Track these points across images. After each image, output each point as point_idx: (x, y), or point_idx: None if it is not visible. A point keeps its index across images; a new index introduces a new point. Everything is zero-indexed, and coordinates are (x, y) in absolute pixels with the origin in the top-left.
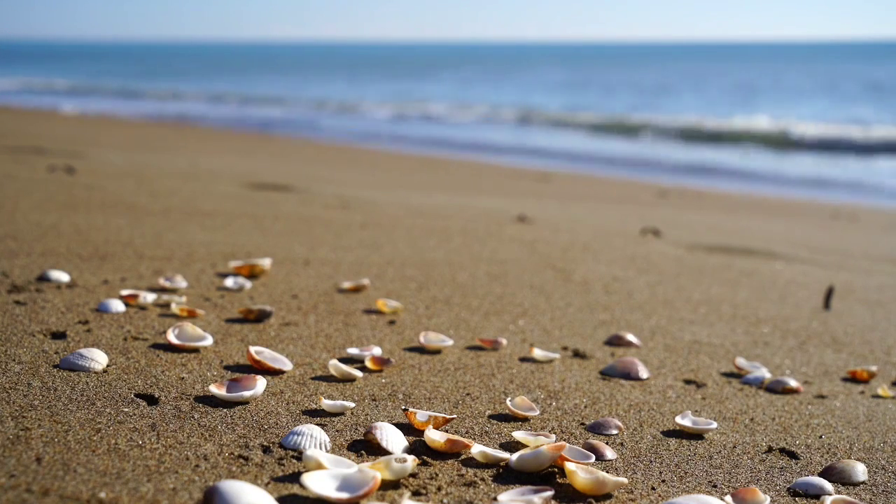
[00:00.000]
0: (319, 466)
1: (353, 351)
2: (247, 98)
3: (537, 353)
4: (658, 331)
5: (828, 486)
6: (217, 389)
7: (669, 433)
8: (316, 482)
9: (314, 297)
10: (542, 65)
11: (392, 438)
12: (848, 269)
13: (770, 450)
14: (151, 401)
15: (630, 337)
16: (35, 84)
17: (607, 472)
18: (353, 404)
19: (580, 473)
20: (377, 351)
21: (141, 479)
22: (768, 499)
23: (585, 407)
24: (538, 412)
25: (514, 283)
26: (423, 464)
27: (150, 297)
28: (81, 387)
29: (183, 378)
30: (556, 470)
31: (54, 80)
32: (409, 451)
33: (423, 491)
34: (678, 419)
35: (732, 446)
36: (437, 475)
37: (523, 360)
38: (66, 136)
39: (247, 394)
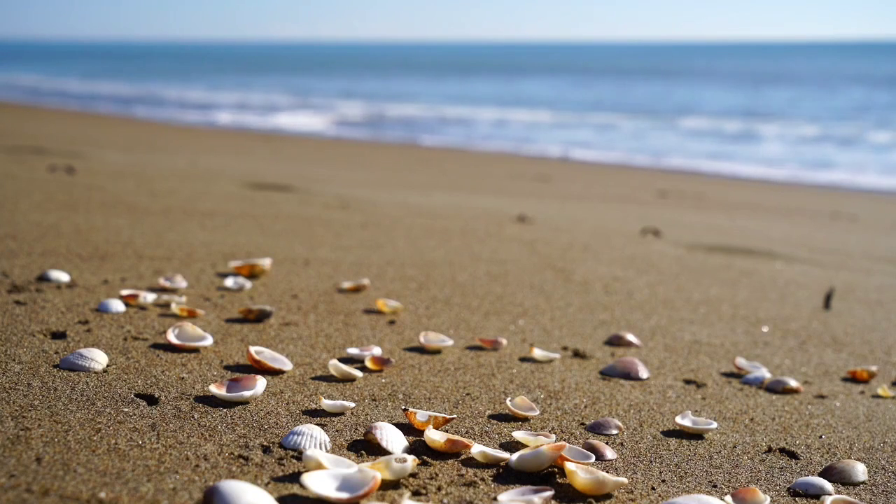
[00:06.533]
0: (319, 466)
1: (353, 351)
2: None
3: (537, 353)
4: (658, 331)
5: (828, 486)
6: (217, 389)
7: (669, 433)
8: (316, 482)
9: (314, 297)
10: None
11: (392, 438)
12: (848, 269)
13: (770, 450)
14: (151, 401)
15: (630, 337)
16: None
17: (607, 472)
18: (353, 404)
19: (580, 473)
20: (377, 351)
21: (141, 479)
22: (768, 499)
23: (585, 407)
24: (538, 412)
25: (514, 283)
26: (423, 464)
27: (150, 297)
28: (81, 387)
29: (183, 378)
30: (556, 470)
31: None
32: (409, 451)
33: (423, 491)
34: (678, 419)
35: (732, 446)
36: (437, 475)
37: (523, 360)
38: (66, 136)
39: (247, 394)
